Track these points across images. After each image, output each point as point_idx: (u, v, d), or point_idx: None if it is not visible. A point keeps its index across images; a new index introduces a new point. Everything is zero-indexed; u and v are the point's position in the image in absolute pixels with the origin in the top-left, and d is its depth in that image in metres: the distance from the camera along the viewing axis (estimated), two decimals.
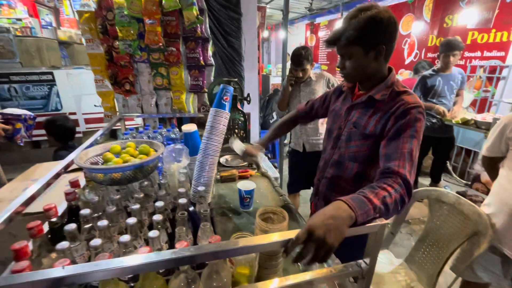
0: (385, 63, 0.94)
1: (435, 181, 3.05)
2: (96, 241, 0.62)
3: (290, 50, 3.13)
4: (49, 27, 3.53)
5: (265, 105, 4.55)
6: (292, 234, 0.59)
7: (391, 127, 0.87)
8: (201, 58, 1.96)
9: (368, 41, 0.87)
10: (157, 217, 0.73)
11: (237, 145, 1.28)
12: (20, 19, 3.40)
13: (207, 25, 1.97)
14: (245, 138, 1.82)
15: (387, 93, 0.93)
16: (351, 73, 0.95)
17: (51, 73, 2.99)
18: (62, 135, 2.11)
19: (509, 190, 1.22)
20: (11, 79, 2.88)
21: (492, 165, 1.38)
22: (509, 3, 3.21)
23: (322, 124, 2.24)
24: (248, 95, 1.71)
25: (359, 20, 0.85)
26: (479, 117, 2.52)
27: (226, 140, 1.20)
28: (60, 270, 0.45)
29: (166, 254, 0.50)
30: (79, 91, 3.16)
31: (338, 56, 0.97)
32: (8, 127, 1.67)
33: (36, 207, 0.94)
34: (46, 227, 0.76)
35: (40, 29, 3.41)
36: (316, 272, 0.68)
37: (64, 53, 3.51)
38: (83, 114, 3.21)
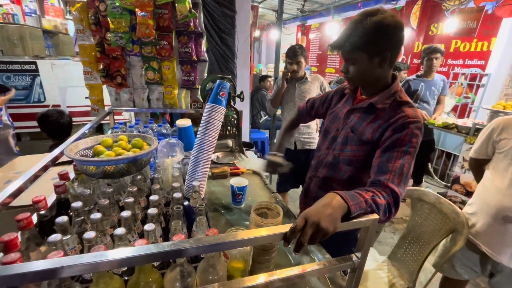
0: (389, 69, 0.93)
1: (417, 182, 3.18)
2: (90, 234, 0.61)
3: (281, 51, 3.17)
4: (33, 15, 3.35)
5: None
6: (288, 228, 0.60)
7: (388, 138, 0.87)
8: (193, 53, 1.94)
9: (373, 47, 0.85)
10: (153, 211, 0.72)
11: (254, 163, 1.24)
12: (0, 5, 3.23)
13: (201, 20, 1.94)
14: (237, 136, 1.83)
15: (389, 102, 0.92)
16: (355, 78, 0.94)
17: (34, 63, 2.87)
18: (55, 132, 1.99)
19: (491, 191, 1.28)
20: None
21: (478, 167, 1.43)
22: (490, 15, 3.39)
23: (312, 122, 2.29)
24: (242, 92, 1.71)
25: (365, 25, 0.83)
26: (460, 122, 2.65)
27: (220, 136, 1.19)
28: (59, 260, 0.44)
29: (166, 245, 0.50)
30: (64, 83, 3.04)
31: (343, 59, 0.95)
32: None
33: (19, 200, 0.91)
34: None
35: (23, 16, 3.25)
36: (308, 266, 0.70)
37: (49, 43, 3.36)
38: (67, 107, 3.10)
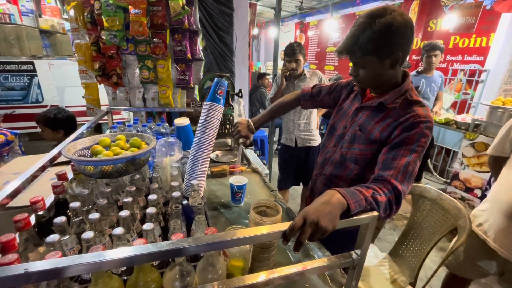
0: (400, 68, 0.91)
1: (417, 179, 3.19)
2: (89, 234, 0.61)
3: (280, 49, 3.17)
4: (29, 15, 3.32)
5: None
6: (287, 226, 0.60)
7: (396, 136, 0.86)
8: (187, 51, 1.92)
9: (384, 50, 0.82)
10: (151, 210, 0.72)
11: (238, 111, 1.26)
12: None
13: (197, 17, 1.93)
14: None
15: (400, 101, 0.90)
16: (365, 81, 0.92)
17: (32, 63, 2.85)
18: (69, 124, 2.00)
19: (504, 188, 1.26)
20: None
21: (497, 164, 1.39)
22: (489, 10, 3.37)
23: (313, 120, 2.29)
24: (240, 90, 1.71)
25: (374, 28, 0.79)
26: (459, 118, 2.65)
27: (219, 135, 1.20)
28: (57, 261, 0.44)
29: (164, 245, 0.50)
30: (62, 83, 3.02)
31: (350, 62, 0.92)
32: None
33: (18, 201, 0.90)
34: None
35: (20, 16, 3.22)
36: (308, 263, 0.70)
37: (46, 43, 3.33)
38: (66, 106, 3.07)
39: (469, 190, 2.58)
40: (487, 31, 3.50)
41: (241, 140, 1.20)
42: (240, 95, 1.71)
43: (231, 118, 1.77)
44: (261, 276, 0.63)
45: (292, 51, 2.10)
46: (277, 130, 4.79)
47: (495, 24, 3.41)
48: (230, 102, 1.73)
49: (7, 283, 0.42)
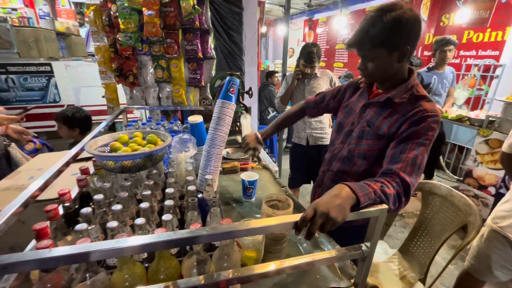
0: (406, 63, 0.93)
1: (429, 177, 3.15)
2: (113, 223, 0.65)
3: (288, 46, 3.17)
4: (46, 18, 3.46)
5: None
6: (299, 217, 0.63)
7: (404, 131, 0.88)
8: (198, 50, 1.96)
9: (393, 43, 0.85)
10: (169, 202, 0.76)
11: (246, 126, 1.30)
12: (15, 9, 3.34)
13: (208, 16, 1.97)
14: None
15: (407, 96, 0.92)
16: (373, 74, 0.94)
17: (49, 64, 2.96)
18: (85, 124, 2.09)
19: None
20: (8, 70, 2.84)
21: (511, 162, 1.33)
22: (505, 4, 3.27)
23: (325, 118, 2.30)
24: (250, 89, 1.74)
25: (384, 21, 0.82)
26: (473, 115, 2.60)
27: (231, 132, 1.24)
28: (89, 245, 0.48)
29: (184, 233, 0.54)
30: (78, 83, 3.13)
31: (359, 57, 0.95)
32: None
33: (43, 194, 0.97)
34: None
35: (37, 19, 3.36)
36: (318, 254, 0.72)
37: (62, 44, 3.46)
38: (82, 106, 3.20)
39: (482, 187, 2.53)
40: (502, 25, 3.40)
41: (250, 152, 1.22)
42: (250, 93, 1.74)
43: (239, 115, 1.80)
44: (272, 266, 0.66)
45: (310, 59, 2.07)
46: (286, 128, 4.79)
47: (511, 18, 3.31)
48: (240, 100, 1.77)
49: (44, 264, 0.47)
